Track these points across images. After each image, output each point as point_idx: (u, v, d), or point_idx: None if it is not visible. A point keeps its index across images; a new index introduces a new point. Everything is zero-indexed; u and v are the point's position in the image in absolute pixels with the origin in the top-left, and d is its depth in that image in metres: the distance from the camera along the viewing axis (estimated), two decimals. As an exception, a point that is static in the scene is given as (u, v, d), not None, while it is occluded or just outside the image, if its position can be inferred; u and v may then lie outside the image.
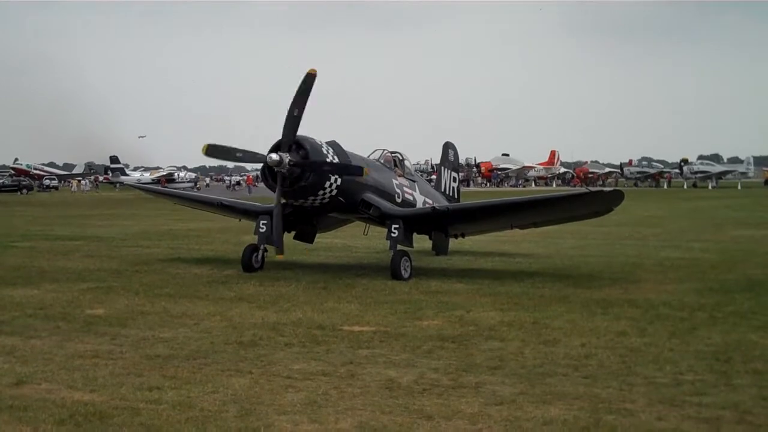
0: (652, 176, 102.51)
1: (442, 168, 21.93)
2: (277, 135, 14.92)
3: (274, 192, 15.24)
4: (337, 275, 15.63)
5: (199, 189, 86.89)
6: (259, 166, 15.51)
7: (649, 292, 13.41)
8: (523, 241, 22.61)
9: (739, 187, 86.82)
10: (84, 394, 7.32)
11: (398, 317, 11.14)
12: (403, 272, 14.97)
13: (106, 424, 6.46)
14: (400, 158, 18.20)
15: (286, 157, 14.62)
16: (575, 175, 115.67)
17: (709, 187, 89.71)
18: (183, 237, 24.93)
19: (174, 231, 27.53)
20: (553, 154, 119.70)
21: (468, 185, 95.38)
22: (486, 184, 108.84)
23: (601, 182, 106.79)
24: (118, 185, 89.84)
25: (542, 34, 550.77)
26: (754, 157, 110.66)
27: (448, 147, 22.10)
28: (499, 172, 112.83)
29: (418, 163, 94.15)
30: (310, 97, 14.62)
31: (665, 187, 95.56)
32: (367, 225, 18.01)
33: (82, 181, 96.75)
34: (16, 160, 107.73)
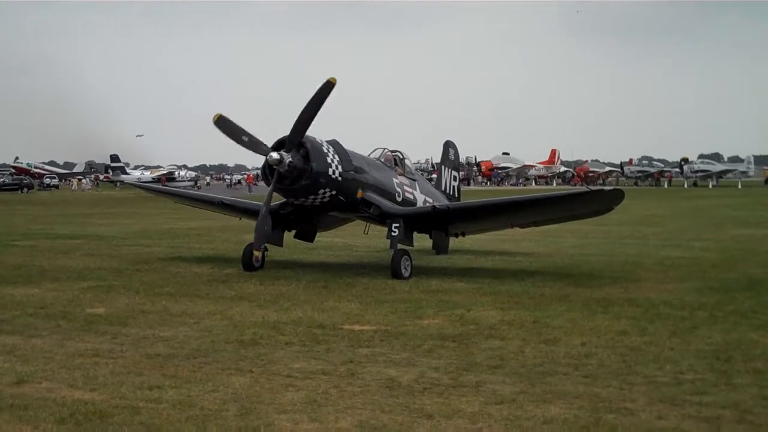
0: (652, 175, 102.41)
1: (443, 167, 21.92)
2: (277, 135, 14.95)
3: (276, 191, 15.24)
4: (337, 274, 15.63)
5: (199, 188, 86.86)
6: (259, 164, 15.48)
7: (649, 291, 13.41)
8: (524, 240, 22.61)
9: (740, 186, 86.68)
10: (84, 392, 7.32)
11: (398, 316, 11.14)
12: (403, 271, 14.97)
13: (106, 422, 6.46)
14: (401, 157, 18.19)
15: (287, 158, 14.61)
16: (576, 174, 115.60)
17: (710, 186, 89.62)
18: (183, 236, 24.93)
19: (174, 230, 27.53)
20: (553, 153, 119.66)
21: (468, 184, 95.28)
22: (486, 183, 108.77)
23: (601, 181, 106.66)
24: (118, 184, 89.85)
25: (542, 34, 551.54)
26: (755, 156, 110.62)
27: (448, 146, 22.10)
28: (500, 171, 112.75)
29: (418, 162, 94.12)
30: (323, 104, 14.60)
31: (666, 186, 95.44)
32: (368, 224, 18.01)
33: (83, 180, 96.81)
34: (17, 158, 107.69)
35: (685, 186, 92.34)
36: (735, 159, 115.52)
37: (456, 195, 21.80)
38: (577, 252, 19.80)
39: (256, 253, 15.34)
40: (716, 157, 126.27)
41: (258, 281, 14.54)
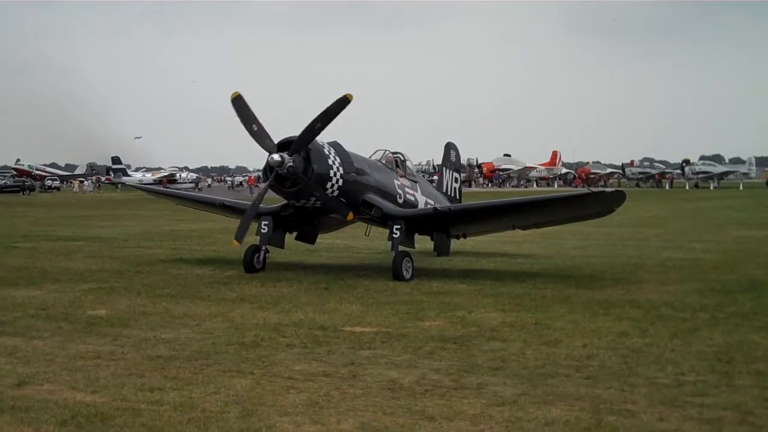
0: (653, 177, 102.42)
1: (444, 168, 21.92)
2: (276, 135, 14.96)
3: (277, 193, 15.25)
4: (338, 276, 15.63)
5: (200, 189, 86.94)
6: (260, 166, 15.46)
7: (650, 292, 13.40)
8: (525, 241, 22.60)
9: (741, 188, 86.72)
10: (86, 395, 7.32)
11: (400, 318, 11.14)
12: (404, 273, 14.97)
13: (107, 425, 6.47)
14: (402, 159, 18.20)
15: (289, 161, 14.60)
16: (577, 175, 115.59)
17: (711, 188, 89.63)
18: (185, 238, 24.94)
19: (176, 232, 27.54)
20: (554, 154, 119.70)
21: (470, 186, 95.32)
22: (488, 185, 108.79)
23: (602, 183, 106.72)
24: (119, 186, 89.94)
25: (542, 34, 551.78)
26: (756, 158, 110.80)
27: (449, 147, 22.09)
28: (501, 173, 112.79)
29: (419, 164, 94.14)
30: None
31: (667, 187, 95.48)
32: (369, 226, 18.02)
33: (84, 182, 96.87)
34: (18, 160, 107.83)
35: (687, 187, 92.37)
36: (736, 160, 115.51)
37: (457, 197, 21.80)
38: (579, 254, 19.79)
39: (234, 243, 15.22)
40: (717, 158, 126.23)
41: (259, 283, 14.54)
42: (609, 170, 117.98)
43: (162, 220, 33.91)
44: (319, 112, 14.49)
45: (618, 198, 15.63)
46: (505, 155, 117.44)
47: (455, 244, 19.37)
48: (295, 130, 15.09)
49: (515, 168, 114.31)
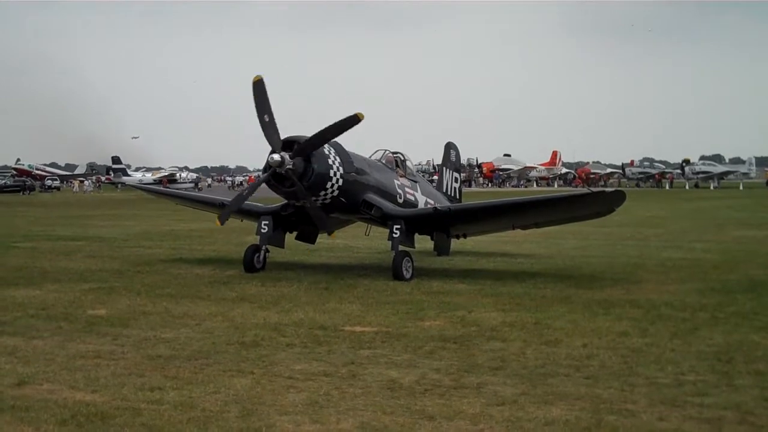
0: (653, 177, 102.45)
1: (444, 168, 21.93)
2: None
3: (275, 192, 15.24)
4: (338, 276, 15.63)
5: (200, 189, 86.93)
6: (260, 166, 15.48)
7: (650, 292, 13.40)
8: (525, 241, 22.61)
9: (741, 188, 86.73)
10: (86, 394, 7.32)
11: (400, 318, 11.14)
12: (404, 273, 14.97)
13: (107, 424, 6.47)
14: (402, 159, 18.20)
15: (289, 164, 14.58)
16: (577, 175, 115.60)
17: (711, 188, 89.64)
18: (185, 237, 24.94)
19: (176, 231, 27.54)
20: (554, 154, 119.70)
21: (470, 186, 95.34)
22: (488, 185, 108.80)
23: (602, 183, 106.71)
24: (119, 186, 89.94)
25: (542, 34, 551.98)
26: (756, 158, 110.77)
27: (449, 147, 22.10)
28: (501, 173, 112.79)
29: (420, 164, 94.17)
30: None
31: (667, 187, 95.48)
32: (369, 225, 18.02)
33: (85, 182, 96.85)
34: (18, 160, 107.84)
35: (687, 187, 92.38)
36: (736, 160, 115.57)
37: (457, 196, 21.81)
38: (579, 253, 19.79)
39: (217, 222, 15.93)
40: (717, 158, 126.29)
41: (259, 283, 14.54)
42: (609, 170, 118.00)
43: (162, 220, 33.92)
44: (331, 124, 14.51)
45: (618, 198, 15.63)
46: (505, 155, 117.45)
47: (455, 243, 19.37)
48: (295, 130, 15.13)
49: (515, 168, 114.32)
